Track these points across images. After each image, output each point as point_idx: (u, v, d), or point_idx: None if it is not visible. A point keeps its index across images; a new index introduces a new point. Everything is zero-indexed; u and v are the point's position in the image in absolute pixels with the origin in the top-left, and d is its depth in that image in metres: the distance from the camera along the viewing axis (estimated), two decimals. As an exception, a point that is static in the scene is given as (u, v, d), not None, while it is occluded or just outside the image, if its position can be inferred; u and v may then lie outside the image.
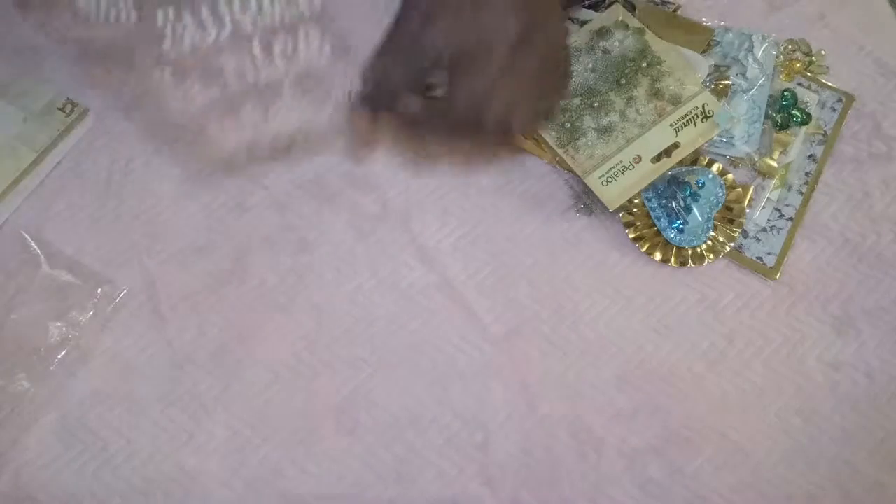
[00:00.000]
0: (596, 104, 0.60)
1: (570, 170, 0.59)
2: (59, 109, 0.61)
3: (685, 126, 0.59)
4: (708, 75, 0.62)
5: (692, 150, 0.59)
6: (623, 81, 0.60)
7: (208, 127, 0.41)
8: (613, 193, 0.58)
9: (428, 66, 0.42)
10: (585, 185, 0.59)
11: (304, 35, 0.42)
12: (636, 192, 0.58)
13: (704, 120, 0.59)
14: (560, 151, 0.59)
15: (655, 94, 0.59)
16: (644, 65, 0.60)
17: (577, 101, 0.60)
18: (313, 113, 0.44)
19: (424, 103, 0.43)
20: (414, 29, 0.43)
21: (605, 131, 0.59)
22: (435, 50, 0.42)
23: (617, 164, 0.58)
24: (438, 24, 0.42)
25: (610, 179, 0.58)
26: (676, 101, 0.59)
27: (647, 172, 0.58)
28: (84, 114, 0.61)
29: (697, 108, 0.59)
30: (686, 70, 0.60)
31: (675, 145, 0.59)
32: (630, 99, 0.60)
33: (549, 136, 0.59)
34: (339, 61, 0.43)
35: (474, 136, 0.45)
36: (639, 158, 0.58)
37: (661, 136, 0.59)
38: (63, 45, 0.58)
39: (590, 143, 0.59)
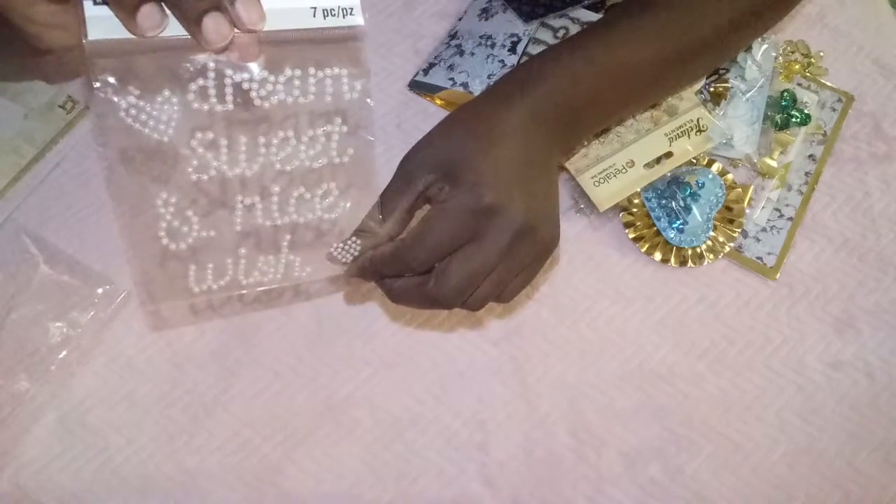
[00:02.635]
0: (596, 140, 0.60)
1: (563, 168, 0.59)
2: (60, 107, 0.61)
3: (679, 137, 0.59)
4: (707, 78, 0.62)
5: (684, 160, 0.59)
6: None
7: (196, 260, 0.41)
8: (604, 195, 0.58)
9: (419, 264, 0.43)
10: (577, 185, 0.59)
11: (326, 186, 0.42)
12: (626, 195, 0.58)
13: (698, 133, 0.59)
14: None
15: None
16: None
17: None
18: (314, 265, 0.44)
19: (411, 289, 0.44)
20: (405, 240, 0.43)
21: (601, 133, 0.59)
22: (428, 251, 0.42)
23: (610, 167, 0.58)
24: (433, 224, 0.42)
25: (602, 181, 0.58)
26: (672, 112, 0.59)
27: (639, 178, 0.58)
28: (85, 111, 0.61)
29: (692, 121, 0.59)
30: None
31: (668, 154, 0.59)
32: None
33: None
34: (360, 210, 0.44)
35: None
36: (632, 163, 0.58)
37: (655, 144, 0.59)
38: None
39: (585, 143, 0.59)
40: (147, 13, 0.35)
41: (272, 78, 0.38)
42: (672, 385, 0.55)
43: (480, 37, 0.64)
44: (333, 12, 0.39)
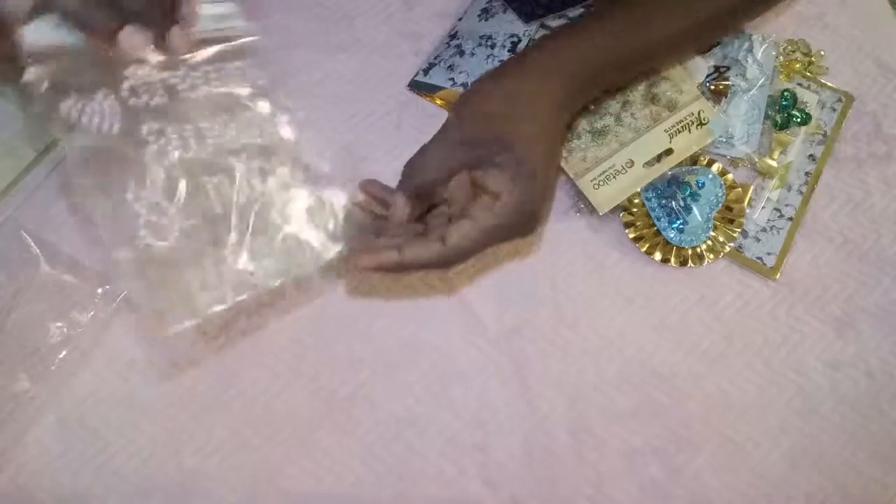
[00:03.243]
0: (591, 107, 0.60)
1: (561, 170, 0.59)
2: (60, 109, 0.61)
3: (679, 132, 0.59)
4: (708, 76, 0.62)
5: (685, 156, 0.59)
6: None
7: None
8: (604, 197, 0.58)
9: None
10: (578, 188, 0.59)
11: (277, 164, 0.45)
12: (626, 196, 0.58)
13: (699, 127, 0.59)
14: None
15: (651, 98, 0.59)
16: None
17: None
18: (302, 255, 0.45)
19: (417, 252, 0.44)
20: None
21: (599, 134, 0.59)
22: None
23: (609, 168, 0.58)
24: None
25: (602, 183, 0.58)
26: (672, 107, 0.59)
27: (639, 177, 0.58)
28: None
29: (693, 114, 0.59)
30: (683, 76, 0.60)
31: (668, 151, 0.59)
32: (626, 103, 0.60)
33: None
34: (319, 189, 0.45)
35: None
36: (631, 163, 0.58)
37: (654, 142, 0.59)
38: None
39: (583, 146, 0.59)
40: (127, 35, 0.41)
41: (192, 73, 0.43)
42: (672, 385, 0.55)
43: (480, 37, 0.64)
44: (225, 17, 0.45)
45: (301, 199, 0.44)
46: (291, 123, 0.45)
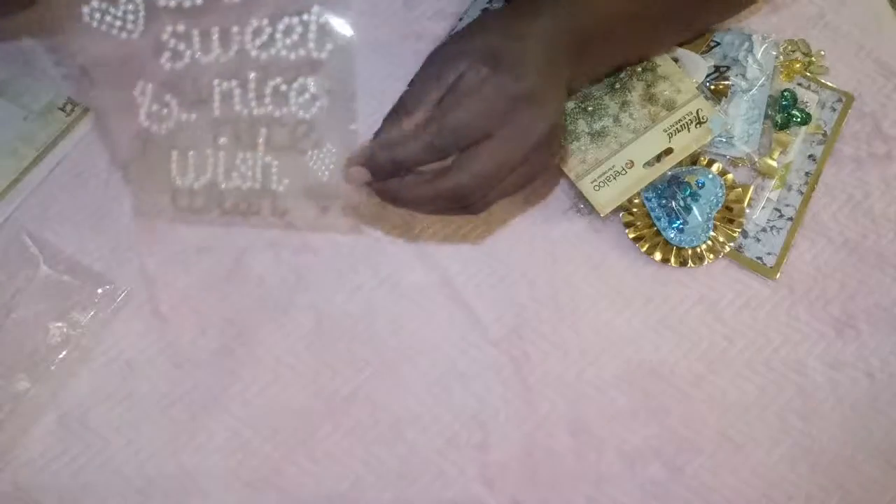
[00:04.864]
0: (590, 108, 0.60)
1: (561, 171, 0.59)
2: (60, 109, 0.61)
3: (679, 131, 0.59)
4: (708, 76, 0.62)
5: (685, 156, 0.59)
6: (618, 86, 0.60)
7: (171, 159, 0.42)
8: (605, 198, 0.58)
9: (444, 146, 0.41)
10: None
11: (303, 81, 0.42)
12: (627, 197, 0.58)
13: (698, 126, 0.59)
14: (553, 155, 0.59)
15: (650, 98, 0.59)
16: (639, 69, 0.60)
17: (570, 104, 0.60)
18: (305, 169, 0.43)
19: (425, 184, 0.43)
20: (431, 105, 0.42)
21: (598, 136, 0.59)
22: (457, 132, 0.41)
23: (609, 169, 0.58)
24: (466, 105, 0.41)
25: (602, 184, 0.58)
26: (671, 107, 0.59)
27: (639, 178, 0.58)
28: (84, 113, 0.61)
29: (692, 113, 0.59)
30: (681, 75, 0.60)
31: (668, 151, 0.59)
32: (624, 103, 0.59)
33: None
34: (336, 115, 0.43)
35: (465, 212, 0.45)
36: (631, 163, 0.58)
37: (654, 142, 0.58)
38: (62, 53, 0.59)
39: (583, 148, 0.59)
40: None
41: None
42: (672, 385, 0.55)
43: (480, 37, 0.64)
44: None
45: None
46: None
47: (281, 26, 0.40)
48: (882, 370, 0.55)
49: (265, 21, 0.40)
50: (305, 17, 0.40)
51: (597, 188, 0.58)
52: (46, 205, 0.59)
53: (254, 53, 0.41)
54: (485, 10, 0.66)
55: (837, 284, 0.58)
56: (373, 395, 0.54)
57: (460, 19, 0.67)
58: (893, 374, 0.55)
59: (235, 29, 0.40)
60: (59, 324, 0.54)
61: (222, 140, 0.42)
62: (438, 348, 0.56)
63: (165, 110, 0.41)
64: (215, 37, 0.40)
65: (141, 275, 0.57)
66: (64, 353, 0.53)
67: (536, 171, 0.44)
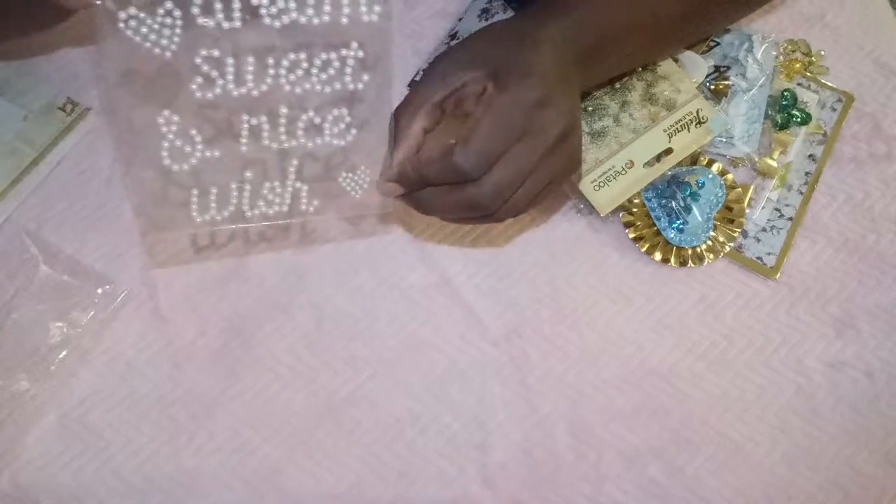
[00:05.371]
0: (590, 108, 0.60)
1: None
2: (60, 109, 0.61)
3: (679, 131, 0.59)
4: (708, 76, 0.62)
5: (685, 156, 0.59)
6: (617, 86, 0.60)
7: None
8: (605, 199, 0.58)
9: (470, 171, 0.42)
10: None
11: (336, 110, 0.41)
12: (627, 197, 0.58)
13: (698, 126, 0.59)
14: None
15: (650, 98, 0.59)
16: (639, 69, 0.60)
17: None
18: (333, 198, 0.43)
19: (447, 193, 0.43)
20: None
21: (598, 136, 0.59)
22: (481, 157, 0.42)
23: (609, 170, 0.58)
24: (486, 131, 0.41)
25: (602, 185, 0.58)
26: (671, 107, 0.59)
27: (639, 178, 0.58)
28: (84, 113, 0.61)
29: (691, 113, 0.59)
30: (681, 75, 0.60)
31: (668, 151, 0.59)
32: (624, 103, 0.59)
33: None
34: (371, 140, 0.43)
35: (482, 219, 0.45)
36: (631, 163, 0.58)
37: (654, 142, 0.58)
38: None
39: (582, 148, 0.59)
40: None
41: None
42: (672, 385, 0.55)
43: (480, 37, 0.64)
44: None
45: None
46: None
47: (318, 62, 0.39)
48: (882, 370, 0.55)
49: (302, 55, 0.39)
50: (343, 52, 0.39)
51: (597, 188, 0.58)
52: (46, 205, 0.59)
53: (287, 88, 0.39)
54: (484, 11, 0.66)
55: (837, 284, 0.58)
56: (373, 395, 0.54)
57: (460, 19, 0.67)
58: (893, 374, 0.55)
59: (271, 61, 0.38)
60: (59, 324, 0.54)
61: (248, 174, 0.41)
62: (438, 348, 0.56)
63: (189, 147, 0.39)
64: (250, 68, 0.38)
65: (141, 275, 0.57)
66: (64, 353, 0.53)
67: (555, 173, 0.44)
